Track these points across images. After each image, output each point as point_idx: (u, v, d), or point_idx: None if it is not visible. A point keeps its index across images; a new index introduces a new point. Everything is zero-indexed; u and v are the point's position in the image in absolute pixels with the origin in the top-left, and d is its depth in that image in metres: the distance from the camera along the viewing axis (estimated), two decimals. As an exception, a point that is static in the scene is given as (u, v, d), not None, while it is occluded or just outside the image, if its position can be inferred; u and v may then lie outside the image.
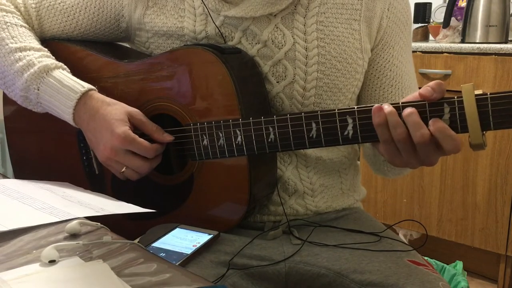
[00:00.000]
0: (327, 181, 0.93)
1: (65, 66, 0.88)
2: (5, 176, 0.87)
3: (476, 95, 0.65)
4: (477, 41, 2.11)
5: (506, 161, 1.97)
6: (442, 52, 2.09)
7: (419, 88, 0.73)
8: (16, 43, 0.89)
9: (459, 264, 1.57)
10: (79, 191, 0.82)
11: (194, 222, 0.84)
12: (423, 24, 2.47)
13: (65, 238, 0.60)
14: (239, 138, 0.79)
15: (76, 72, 0.88)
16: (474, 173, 2.05)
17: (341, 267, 0.80)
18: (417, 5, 2.46)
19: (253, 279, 0.81)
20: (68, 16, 0.96)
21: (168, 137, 0.84)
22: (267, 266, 0.82)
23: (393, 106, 0.69)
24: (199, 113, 0.83)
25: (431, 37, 2.48)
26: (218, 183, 0.84)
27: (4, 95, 0.96)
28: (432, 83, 0.68)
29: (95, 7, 0.95)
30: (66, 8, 0.96)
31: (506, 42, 2.09)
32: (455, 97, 0.67)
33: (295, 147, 0.77)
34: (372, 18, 0.88)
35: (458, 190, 2.10)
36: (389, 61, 0.91)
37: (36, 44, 0.90)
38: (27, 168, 1.03)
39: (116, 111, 0.82)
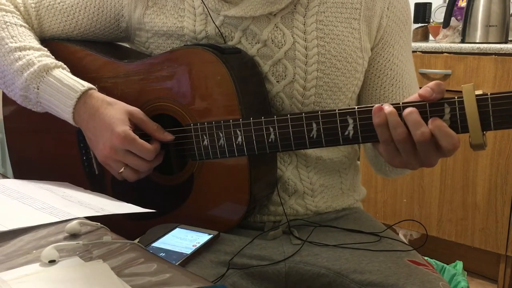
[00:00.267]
0: (327, 181, 0.93)
1: (65, 66, 0.88)
2: (5, 176, 0.87)
3: (477, 95, 0.65)
4: (477, 41, 2.11)
5: (506, 161, 1.97)
6: (442, 52, 2.09)
7: (420, 88, 0.73)
8: (15, 42, 0.89)
9: (459, 264, 1.57)
10: (79, 191, 0.82)
11: (194, 222, 0.83)
12: (423, 24, 2.47)
13: (65, 238, 0.60)
14: (239, 138, 0.79)
15: (76, 72, 0.88)
16: (474, 173, 2.05)
17: (341, 267, 0.80)
18: (417, 5, 2.46)
19: (253, 279, 0.81)
20: (68, 16, 0.96)
21: (168, 136, 0.84)
22: (267, 266, 0.82)
23: (393, 107, 0.69)
24: (199, 113, 0.83)
25: (431, 37, 2.48)
26: (218, 183, 0.84)
27: (4, 95, 0.96)
28: (431, 83, 0.68)
29: (94, 7, 0.95)
30: (66, 8, 0.96)
31: (506, 42, 2.09)
32: (456, 97, 0.67)
33: (296, 147, 0.77)
34: (371, 17, 0.88)
35: (458, 190, 2.10)
36: (389, 60, 0.91)
37: (35, 43, 0.90)
38: (27, 168, 1.03)
39: (117, 111, 0.82)
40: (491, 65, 1.96)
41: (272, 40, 0.86)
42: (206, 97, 0.82)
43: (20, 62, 0.86)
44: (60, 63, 0.87)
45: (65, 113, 0.84)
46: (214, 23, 0.87)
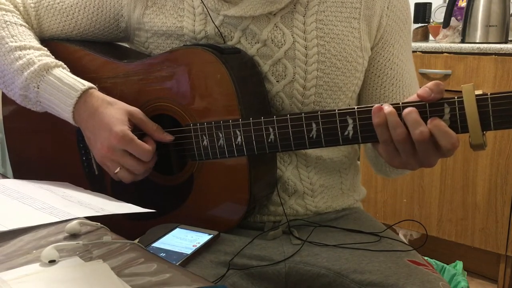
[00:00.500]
0: (327, 181, 0.93)
1: (65, 65, 0.88)
2: (5, 176, 0.87)
3: (477, 95, 0.65)
4: (477, 41, 2.11)
5: (506, 161, 1.97)
6: (442, 52, 2.09)
7: (420, 88, 0.73)
8: (15, 42, 0.89)
9: (459, 264, 1.57)
10: (79, 191, 0.82)
11: (194, 222, 0.83)
12: (423, 24, 2.47)
13: (65, 238, 0.60)
14: (239, 139, 0.79)
15: (75, 72, 0.88)
16: (474, 173, 2.05)
17: (341, 267, 0.80)
18: (417, 5, 2.46)
19: (253, 279, 0.81)
20: (67, 16, 0.96)
21: (168, 137, 0.84)
22: (267, 266, 0.82)
23: (393, 106, 0.69)
24: (199, 113, 0.83)
25: (431, 37, 2.48)
26: (218, 183, 0.84)
27: (3, 95, 0.96)
28: (430, 83, 0.68)
29: (94, 7, 0.95)
30: (65, 8, 0.96)
31: (506, 42, 2.09)
32: (456, 97, 0.67)
33: (295, 147, 0.77)
34: (371, 17, 0.88)
35: (458, 190, 2.10)
36: (389, 59, 0.91)
37: (35, 43, 0.90)
38: (27, 168, 1.03)
39: (116, 110, 0.82)
40: (491, 65, 1.96)
41: (272, 40, 0.86)
42: (205, 97, 0.82)
43: (20, 62, 0.86)
44: (60, 62, 0.87)
45: (65, 112, 0.84)
46: (214, 23, 0.87)
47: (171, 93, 0.85)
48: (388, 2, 0.89)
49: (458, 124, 0.67)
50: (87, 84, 0.84)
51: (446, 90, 0.68)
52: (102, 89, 0.86)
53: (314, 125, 0.74)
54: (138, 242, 0.65)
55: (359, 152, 1.04)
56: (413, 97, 0.70)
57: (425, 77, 2.14)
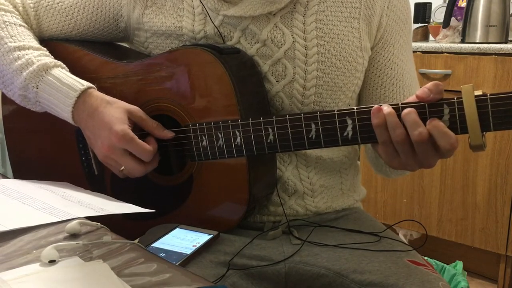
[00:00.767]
0: (327, 181, 0.93)
1: (64, 65, 0.88)
2: (5, 176, 0.87)
3: (476, 96, 0.65)
4: (477, 41, 2.11)
5: (506, 161, 1.97)
6: (442, 52, 2.09)
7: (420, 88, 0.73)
8: (15, 42, 0.89)
9: (459, 264, 1.57)
10: (79, 191, 0.82)
11: (194, 222, 0.84)
12: (423, 24, 2.47)
13: (65, 238, 0.60)
14: (238, 139, 0.79)
15: (75, 72, 0.88)
16: (474, 173, 2.05)
17: (341, 267, 0.80)
18: (417, 5, 2.46)
19: (253, 279, 0.81)
20: (67, 16, 0.96)
21: (169, 134, 0.83)
22: (266, 266, 0.82)
23: (392, 107, 0.70)
24: (198, 113, 0.83)
25: (431, 37, 2.48)
26: (217, 183, 0.84)
27: (3, 95, 0.96)
28: (429, 84, 0.68)
29: (93, 7, 0.95)
30: (65, 8, 0.96)
31: (506, 42, 2.09)
32: (455, 98, 0.67)
33: (295, 148, 0.77)
34: (371, 16, 0.88)
35: (458, 190, 2.10)
36: (389, 59, 0.91)
37: (35, 43, 0.90)
38: (27, 168, 1.03)
39: (116, 110, 0.82)
40: (491, 65, 1.96)
41: (272, 40, 0.86)
42: (204, 97, 0.82)
43: (20, 62, 0.86)
44: (59, 62, 0.87)
45: (65, 112, 0.84)
46: (213, 23, 0.87)
47: (170, 93, 0.85)
48: (388, 2, 0.89)
49: (458, 125, 0.67)
50: (86, 84, 0.84)
51: (446, 90, 0.68)
52: (101, 90, 0.86)
53: (313, 126, 0.74)
54: (138, 242, 0.65)
55: (359, 152, 1.04)
56: (412, 98, 0.70)
57: (425, 77, 2.14)
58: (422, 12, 2.44)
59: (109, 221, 0.66)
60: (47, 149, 0.99)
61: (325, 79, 0.86)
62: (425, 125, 0.68)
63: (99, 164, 0.90)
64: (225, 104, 0.80)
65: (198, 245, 0.78)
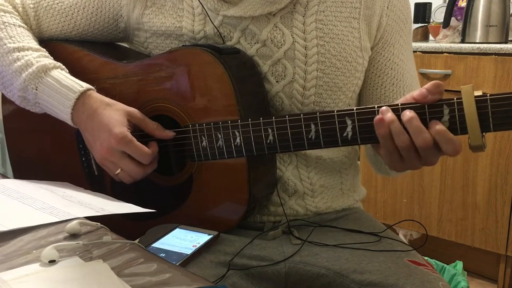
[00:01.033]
0: (327, 181, 0.93)
1: (64, 66, 0.88)
2: (5, 176, 0.87)
3: (476, 96, 0.65)
4: (477, 41, 2.11)
5: (506, 161, 1.97)
6: (442, 52, 2.09)
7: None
8: (14, 43, 0.89)
9: (459, 264, 1.57)
10: (79, 191, 0.82)
11: (194, 223, 0.84)
12: (423, 24, 2.47)
13: (65, 238, 0.60)
14: (237, 140, 0.79)
15: (74, 73, 0.88)
16: (474, 173, 2.05)
17: (341, 267, 0.80)
18: (417, 5, 2.46)
19: (253, 279, 0.81)
20: (66, 16, 0.96)
21: (169, 133, 0.83)
22: (267, 266, 0.82)
23: (392, 108, 0.69)
24: (198, 113, 0.83)
25: (431, 37, 2.48)
26: (217, 184, 0.84)
27: (3, 95, 0.96)
28: (429, 84, 0.68)
29: (93, 7, 0.95)
30: (64, 8, 0.96)
31: (506, 42, 2.09)
32: (455, 98, 0.67)
33: (294, 148, 0.77)
34: (371, 16, 0.88)
35: (458, 190, 2.10)
36: (389, 59, 0.91)
37: (34, 44, 0.90)
38: (27, 168, 1.03)
39: (115, 112, 0.82)
40: (491, 65, 1.96)
41: (272, 40, 0.86)
42: (204, 97, 0.82)
43: (19, 63, 0.86)
44: (58, 63, 0.87)
45: (64, 113, 0.84)
46: (213, 23, 0.87)
47: (170, 93, 0.85)
48: (388, 2, 0.89)
49: (457, 125, 0.67)
50: (85, 85, 0.84)
51: (446, 90, 0.68)
52: (101, 90, 0.86)
53: (313, 126, 0.74)
54: (138, 242, 0.65)
55: (359, 152, 1.04)
56: (409, 96, 0.70)
57: (425, 77, 2.14)
58: (422, 12, 2.44)
59: (109, 221, 0.66)
60: (47, 149, 0.99)
61: (325, 79, 0.86)
62: (426, 125, 0.68)
63: (99, 165, 0.90)
64: (225, 105, 0.80)
65: (198, 245, 0.78)
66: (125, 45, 1.03)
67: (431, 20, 2.47)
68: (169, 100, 0.85)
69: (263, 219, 0.91)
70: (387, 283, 0.76)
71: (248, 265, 0.81)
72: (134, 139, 0.80)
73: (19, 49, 0.88)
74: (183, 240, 0.79)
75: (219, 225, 0.84)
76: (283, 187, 0.90)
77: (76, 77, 0.86)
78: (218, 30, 0.87)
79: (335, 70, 0.87)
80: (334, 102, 0.88)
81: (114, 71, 0.90)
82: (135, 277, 0.51)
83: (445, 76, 2.08)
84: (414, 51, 2.12)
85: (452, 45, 2.08)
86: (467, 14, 2.13)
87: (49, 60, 0.87)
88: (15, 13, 0.95)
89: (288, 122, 0.75)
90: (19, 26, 0.92)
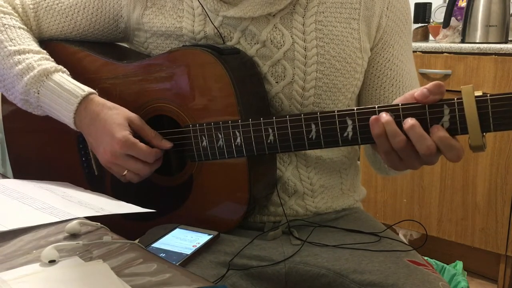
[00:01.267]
0: (327, 181, 0.93)
1: (65, 69, 0.88)
2: (5, 176, 0.87)
3: (476, 96, 0.65)
4: (477, 41, 2.11)
5: (506, 161, 1.98)
6: (442, 52, 2.09)
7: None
8: (14, 45, 0.88)
9: (459, 264, 1.57)
10: (79, 191, 0.83)
11: (194, 223, 0.84)
12: (423, 24, 2.47)
13: (65, 238, 0.60)
14: (238, 140, 0.79)
15: (75, 73, 0.88)
16: (474, 173, 2.05)
17: (341, 267, 0.80)
18: (417, 5, 2.46)
19: (253, 279, 0.81)
20: (67, 17, 0.96)
21: (167, 144, 0.84)
22: (267, 267, 0.82)
23: (392, 109, 0.69)
24: (198, 114, 0.83)
25: (431, 37, 2.48)
26: (217, 184, 0.84)
27: (3, 95, 0.96)
28: (430, 84, 0.68)
29: (93, 8, 0.95)
30: (64, 9, 0.96)
31: (506, 42, 2.09)
32: (455, 98, 0.67)
33: (295, 148, 0.77)
34: (371, 17, 0.88)
35: (458, 190, 2.10)
36: (389, 60, 0.91)
37: (35, 46, 0.90)
38: (26, 168, 1.03)
39: (117, 116, 0.82)
40: (491, 65, 1.96)
41: (271, 41, 0.86)
42: (204, 98, 0.82)
43: (20, 66, 0.86)
44: (60, 66, 0.87)
45: (66, 118, 0.84)
46: (213, 24, 0.87)
47: (170, 94, 0.85)
48: (387, 3, 0.88)
49: (458, 125, 0.67)
50: (87, 89, 0.84)
51: (446, 90, 0.68)
52: (101, 90, 0.86)
53: (313, 126, 0.74)
54: (138, 242, 0.65)
55: (359, 152, 1.04)
56: (410, 94, 0.70)
57: (425, 77, 2.14)
58: (422, 12, 2.44)
59: (109, 221, 0.66)
60: (47, 149, 0.99)
61: (324, 80, 0.86)
62: (426, 126, 0.67)
63: (99, 165, 0.90)
64: (225, 105, 0.80)
65: (198, 245, 0.78)
66: (125, 45, 1.03)
67: (431, 20, 2.47)
68: (170, 100, 0.85)
69: (263, 219, 0.91)
70: (387, 283, 0.76)
71: (248, 265, 0.81)
72: (136, 141, 0.80)
73: (20, 52, 0.88)
74: (183, 240, 0.79)
75: (219, 225, 0.84)
76: (283, 187, 0.90)
77: (77, 78, 0.86)
78: (218, 31, 0.87)
79: (334, 71, 0.86)
80: (333, 103, 0.88)
81: (114, 71, 0.90)
82: (135, 277, 0.51)
83: (445, 76, 2.08)
84: (414, 51, 2.12)
85: (452, 45, 2.08)
86: (467, 14, 2.13)
87: (50, 63, 0.87)
88: (15, 14, 0.94)
89: (288, 122, 0.75)
90: (19, 28, 0.92)
